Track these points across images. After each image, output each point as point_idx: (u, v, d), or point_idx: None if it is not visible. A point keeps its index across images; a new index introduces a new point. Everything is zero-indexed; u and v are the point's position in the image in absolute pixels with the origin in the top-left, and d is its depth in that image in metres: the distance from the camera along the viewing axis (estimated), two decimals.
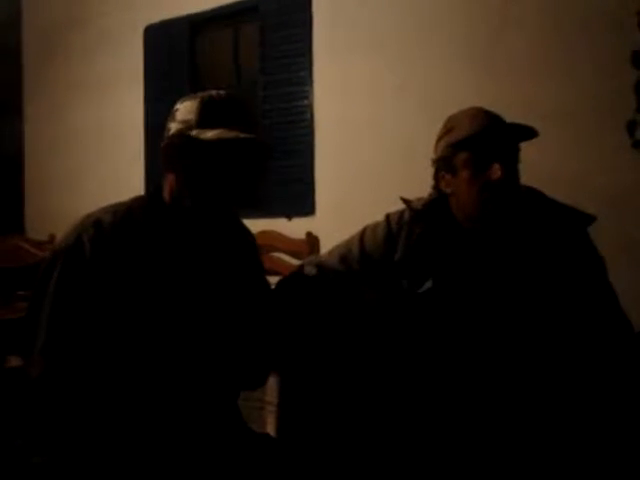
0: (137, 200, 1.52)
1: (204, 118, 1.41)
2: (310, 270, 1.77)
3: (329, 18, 4.14)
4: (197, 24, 4.79)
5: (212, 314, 1.51)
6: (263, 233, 4.22)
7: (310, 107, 4.21)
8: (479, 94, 3.37)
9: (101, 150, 5.03)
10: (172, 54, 4.86)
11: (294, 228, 4.17)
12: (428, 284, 1.61)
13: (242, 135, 1.38)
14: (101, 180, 4.90)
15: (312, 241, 4.04)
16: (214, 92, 1.46)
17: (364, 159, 3.97)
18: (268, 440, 1.68)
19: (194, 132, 1.40)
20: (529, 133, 1.56)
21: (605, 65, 3.15)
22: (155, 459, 1.42)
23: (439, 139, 1.63)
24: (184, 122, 1.42)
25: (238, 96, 1.49)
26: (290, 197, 4.29)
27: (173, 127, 1.44)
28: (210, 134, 1.38)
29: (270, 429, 1.81)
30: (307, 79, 4.22)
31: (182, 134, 1.42)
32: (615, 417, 1.50)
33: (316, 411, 1.71)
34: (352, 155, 4.03)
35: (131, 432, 1.41)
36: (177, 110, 1.45)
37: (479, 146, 1.54)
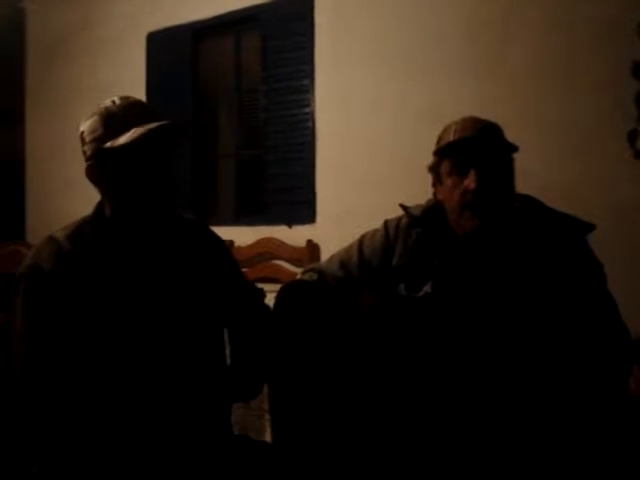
0: (85, 217, 1.56)
1: (110, 128, 1.44)
2: (311, 276, 1.78)
3: (331, 27, 4.15)
4: (199, 32, 4.80)
5: (179, 316, 1.53)
6: (264, 240, 4.25)
7: (311, 115, 4.22)
8: (480, 106, 3.36)
9: None
10: (174, 61, 4.87)
11: (295, 236, 4.18)
12: (426, 288, 1.62)
13: (151, 125, 1.41)
14: None
15: (312, 249, 4.05)
16: (108, 102, 1.49)
17: (365, 167, 3.98)
18: (262, 447, 1.69)
19: (108, 144, 1.42)
20: (511, 146, 1.59)
21: (606, 76, 3.16)
22: (144, 468, 1.43)
23: (435, 147, 1.67)
24: (95, 140, 1.45)
25: (131, 97, 1.53)
26: (291, 205, 4.29)
27: (87, 149, 1.47)
28: (122, 139, 1.41)
29: (269, 437, 1.81)
30: (309, 87, 4.23)
31: (98, 151, 1.45)
32: (611, 421, 1.51)
33: (314, 418, 1.71)
34: (353, 163, 4.03)
35: (117, 442, 1.43)
36: (83, 132, 1.48)
37: (458, 154, 1.57)
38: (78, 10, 5.38)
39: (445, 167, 1.61)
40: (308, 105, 4.23)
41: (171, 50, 4.88)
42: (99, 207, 1.55)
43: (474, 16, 3.60)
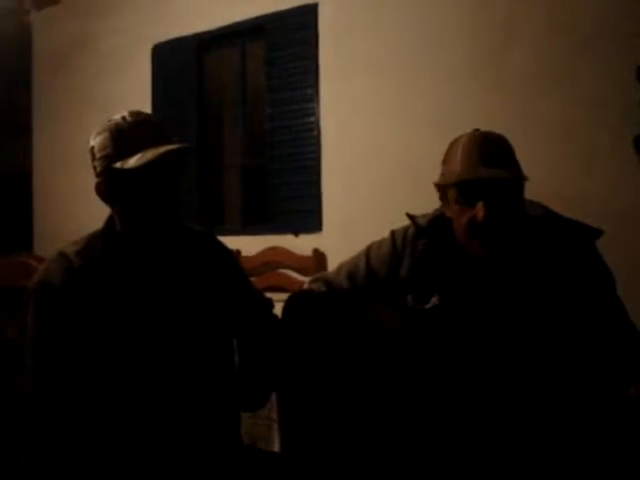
0: (95, 232, 1.57)
1: (120, 147, 1.43)
2: (319, 287, 1.78)
3: (335, 36, 4.16)
4: (204, 43, 4.82)
5: (190, 330, 1.53)
6: (270, 249, 4.26)
7: (317, 124, 4.22)
8: (485, 113, 3.38)
9: None
10: (179, 72, 4.89)
11: (301, 245, 4.18)
12: (434, 300, 1.61)
13: (162, 150, 1.41)
14: None
15: (319, 258, 4.06)
16: (118, 118, 1.48)
17: (371, 176, 3.98)
18: (271, 457, 1.69)
19: (117, 164, 1.42)
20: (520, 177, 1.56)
21: (611, 81, 3.15)
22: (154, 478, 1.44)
23: (442, 162, 1.65)
24: (104, 158, 1.45)
25: (142, 114, 1.51)
26: (297, 214, 4.29)
27: (98, 165, 1.47)
28: (132, 161, 1.40)
29: (277, 447, 1.81)
30: (314, 96, 4.24)
31: (107, 169, 1.44)
32: (624, 428, 1.50)
33: (322, 428, 1.71)
34: (359, 172, 4.04)
35: (129, 454, 1.44)
36: (93, 148, 1.48)
37: (464, 187, 1.54)
38: (83, 23, 5.41)
39: (451, 193, 1.58)
40: (313, 114, 4.24)
41: (176, 61, 4.90)
42: (109, 221, 1.55)
43: (476, 22, 3.61)
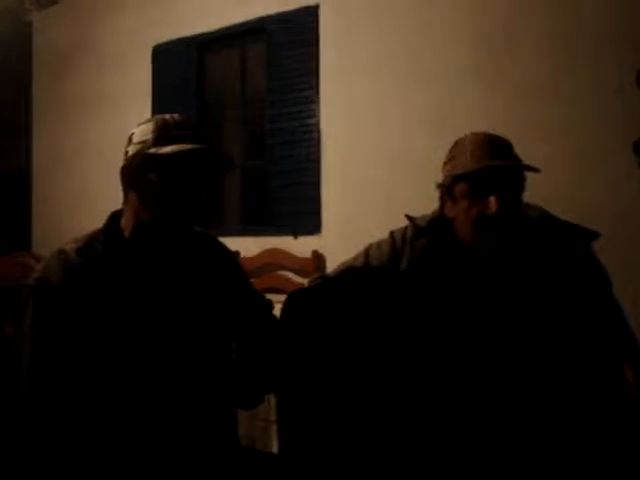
0: (97, 230, 1.58)
1: (160, 137, 1.49)
2: (315, 280, 1.79)
3: (336, 38, 4.16)
4: (205, 44, 4.83)
5: (190, 330, 1.54)
6: (269, 251, 4.26)
7: (317, 126, 4.23)
8: (486, 114, 3.38)
9: (108, 169, 4.94)
10: (180, 74, 4.89)
11: (300, 246, 4.19)
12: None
13: (197, 146, 1.47)
14: (108, 198, 4.78)
15: (318, 259, 4.06)
16: (167, 115, 1.55)
17: (371, 178, 3.98)
18: (269, 459, 1.69)
19: (152, 150, 1.47)
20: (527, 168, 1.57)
21: (611, 85, 3.16)
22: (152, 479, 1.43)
23: (445, 163, 1.66)
24: (141, 143, 1.50)
25: (190, 118, 1.60)
26: (296, 215, 4.29)
27: (131, 149, 1.51)
28: (167, 149, 1.45)
29: (275, 448, 1.81)
30: (314, 98, 4.24)
31: (140, 153, 1.48)
32: (621, 429, 1.50)
33: (320, 428, 1.70)
34: (359, 174, 4.04)
35: (126, 454, 1.43)
36: (133, 134, 1.53)
37: (476, 180, 1.55)
38: (84, 24, 5.42)
39: (461, 189, 1.58)
40: (313, 116, 4.24)
41: (176, 63, 4.90)
42: (111, 219, 1.56)
43: (478, 23, 3.61)
